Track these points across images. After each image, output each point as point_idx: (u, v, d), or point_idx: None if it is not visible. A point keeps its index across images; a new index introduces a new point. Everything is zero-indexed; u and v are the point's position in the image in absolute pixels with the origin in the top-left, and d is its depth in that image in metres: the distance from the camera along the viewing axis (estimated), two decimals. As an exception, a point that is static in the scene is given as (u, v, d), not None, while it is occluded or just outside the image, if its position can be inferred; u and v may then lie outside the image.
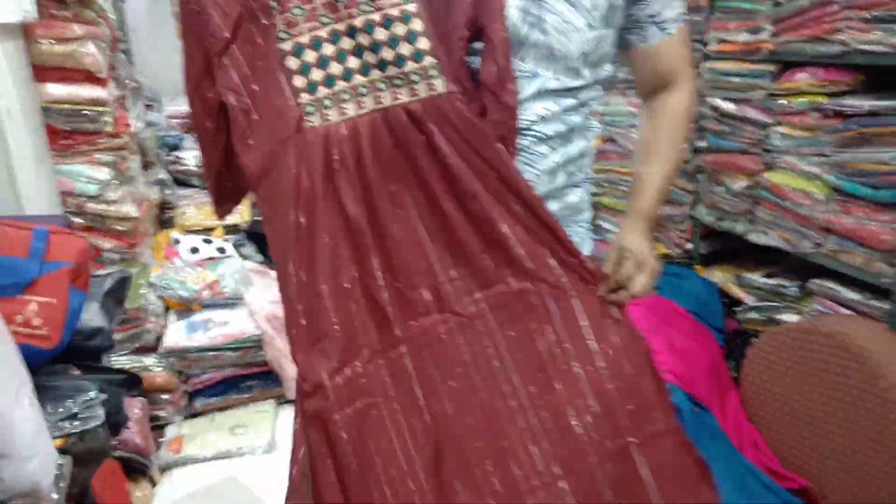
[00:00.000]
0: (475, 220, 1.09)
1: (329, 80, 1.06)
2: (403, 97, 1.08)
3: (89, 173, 2.38)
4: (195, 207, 3.34)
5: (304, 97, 1.05)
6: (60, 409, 1.49)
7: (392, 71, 1.07)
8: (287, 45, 1.06)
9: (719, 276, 2.44)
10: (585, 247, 1.35)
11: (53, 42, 2.26)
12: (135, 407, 2.15)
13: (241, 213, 3.29)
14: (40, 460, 1.24)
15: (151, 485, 2.16)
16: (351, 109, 1.06)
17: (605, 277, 1.16)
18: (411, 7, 1.07)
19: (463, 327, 1.10)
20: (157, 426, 2.41)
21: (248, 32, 1.07)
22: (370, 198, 1.06)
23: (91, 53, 2.30)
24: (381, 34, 1.06)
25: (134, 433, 2.10)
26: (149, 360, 2.42)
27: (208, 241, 3.06)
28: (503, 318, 1.10)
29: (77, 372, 1.69)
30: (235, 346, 2.51)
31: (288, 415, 2.01)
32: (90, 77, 2.35)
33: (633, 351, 1.14)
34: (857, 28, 1.77)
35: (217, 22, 1.06)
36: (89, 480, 1.54)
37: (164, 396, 2.44)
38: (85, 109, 2.36)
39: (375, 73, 1.08)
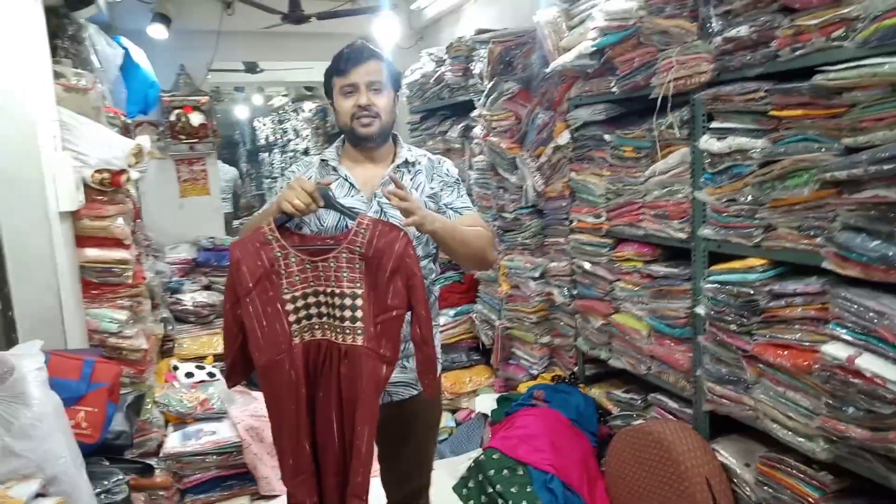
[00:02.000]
0: (351, 422, 1.70)
1: (308, 317, 1.72)
2: (339, 339, 1.71)
3: (112, 315, 2.88)
4: (190, 340, 3.89)
5: (294, 327, 1.71)
6: (99, 487, 2.07)
7: (337, 323, 1.71)
8: (287, 296, 1.70)
9: (596, 392, 3.05)
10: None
11: (93, 219, 2.83)
12: (139, 500, 2.72)
13: (228, 345, 3.91)
14: (93, 513, 1.87)
15: (150, 556, 2.67)
16: (318, 335, 1.73)
17: None
18: (359, 291, 1.69)
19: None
20: (155, 518, 2.87)
21: (264, 285, 1.69)
22: (314, 395, 1.73)
23: (120, 226, 2.88)
24: (337, 301, 1.70)
25: (138, 519, 2.67)
26: (150, 463, 2.88)
27: (201, 367, 3.57)
28: None
29: (106, 462, 2.24)
30: (220, 451, 2.99)
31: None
32: (118, 243, 2.91)
33: None
34: (649, 221, 2.50)
35: (246, 276, 1.68)
36: (108, 545, 2.11)
37: (161, 493, 2.86)
38: (113, 267, 2.90)
39: (329, 321, 1.72)
